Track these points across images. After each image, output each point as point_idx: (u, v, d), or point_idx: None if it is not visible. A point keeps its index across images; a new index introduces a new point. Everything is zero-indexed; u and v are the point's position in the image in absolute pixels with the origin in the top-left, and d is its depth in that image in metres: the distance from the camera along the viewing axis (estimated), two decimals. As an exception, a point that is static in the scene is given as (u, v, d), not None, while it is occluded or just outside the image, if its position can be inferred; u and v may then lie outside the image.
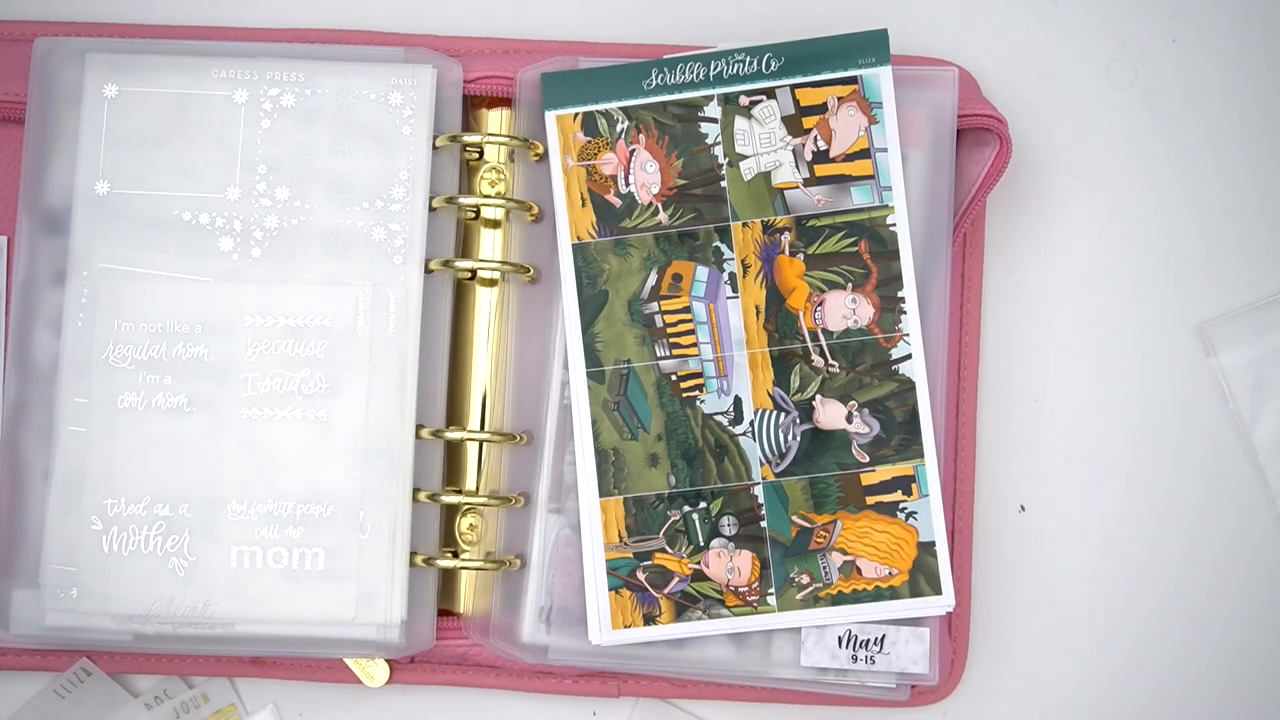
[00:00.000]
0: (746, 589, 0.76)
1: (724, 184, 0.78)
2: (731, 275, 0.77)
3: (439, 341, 0.78)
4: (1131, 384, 0.83)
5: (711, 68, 0.78)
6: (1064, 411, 0.82)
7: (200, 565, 0.75)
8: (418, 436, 0.77)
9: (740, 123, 0.78)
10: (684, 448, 0.77)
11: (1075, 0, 0.84)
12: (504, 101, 0.80)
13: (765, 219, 0.78)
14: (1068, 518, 0.82)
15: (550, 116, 0.78)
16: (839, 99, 0.78)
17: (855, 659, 0.76)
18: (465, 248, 0.80)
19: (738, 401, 0.77)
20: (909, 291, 0.77)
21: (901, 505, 0.77)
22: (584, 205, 0.78)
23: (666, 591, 0.77)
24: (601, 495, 0.77)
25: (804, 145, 0.78)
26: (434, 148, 0.78)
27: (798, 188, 0.78)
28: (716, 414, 0.77)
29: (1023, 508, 0.82)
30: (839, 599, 0.76)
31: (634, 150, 0.78)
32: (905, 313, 0.77)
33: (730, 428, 0.77)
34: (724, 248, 0.77)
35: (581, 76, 0.78)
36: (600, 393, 0.77)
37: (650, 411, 0.77)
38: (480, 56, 0.81)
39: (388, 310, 0.77)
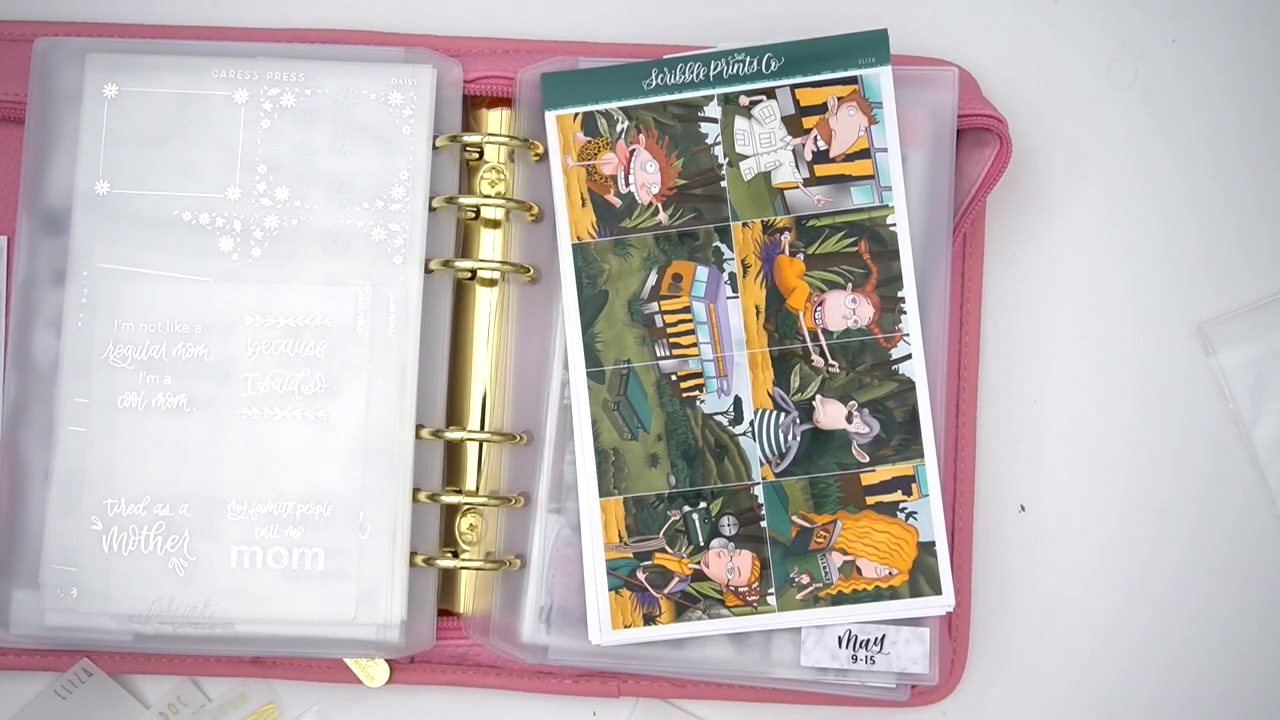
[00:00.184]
0: (746, 589, 0.76)
1: (724, 184, 0.78)
2: (731, 275, 0.77)
3: (439, 341, 0.78)
4: (1131, 384, 0.83)
5: (711, 68, 0.78)
6: (1064, 411, 0.82)
7: (200, 565, 0.75)
8: (418, 436, 0.77)
9: (740, 123, 0.78)
10: (684, 448, 0.77)
11: (1075, 0, 0.84)
12: (504, 101, 0.80)
13: (765, 219, 0.78)
14: (1068, 518, 0.82)
15: (550, 116, 0.78)
16: (839, 99, 0.78)
17: (855, 659, 0.76)
18: (465, 248, 0.80)
19: (738, 401, 0.77)
20: (909, 291, 0.77)
21: (901, 505, 0.77)
22: (584, 205, 0.78)
23: (666, 591, 0.77)
24: (601, 495, 0.77)
25: (804, 145, 0.78)
26: (434, 148, 0.78)
27: (798, 188, 0.78)
28: (716, 414, 0.77)
29: (1023, 508, 0.82)
30: (839, 599, 0.76)
31: (634, 150, 0.78)
32: (905, 313, 0.77)
33: (730, 428, 0.77)
34: (724, 248, 0.77)
35: (581, 76, 0.78)
36: (600, 393, 0.77)
37: (650, 411, 0.77)
38: (480, 56, 0.81)
39: (388, 310, 0.77)
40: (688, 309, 0.77)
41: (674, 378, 0.77)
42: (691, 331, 0.77)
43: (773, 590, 0.76)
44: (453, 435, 0.78)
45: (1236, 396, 0.82)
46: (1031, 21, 0.84)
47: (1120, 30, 0.84)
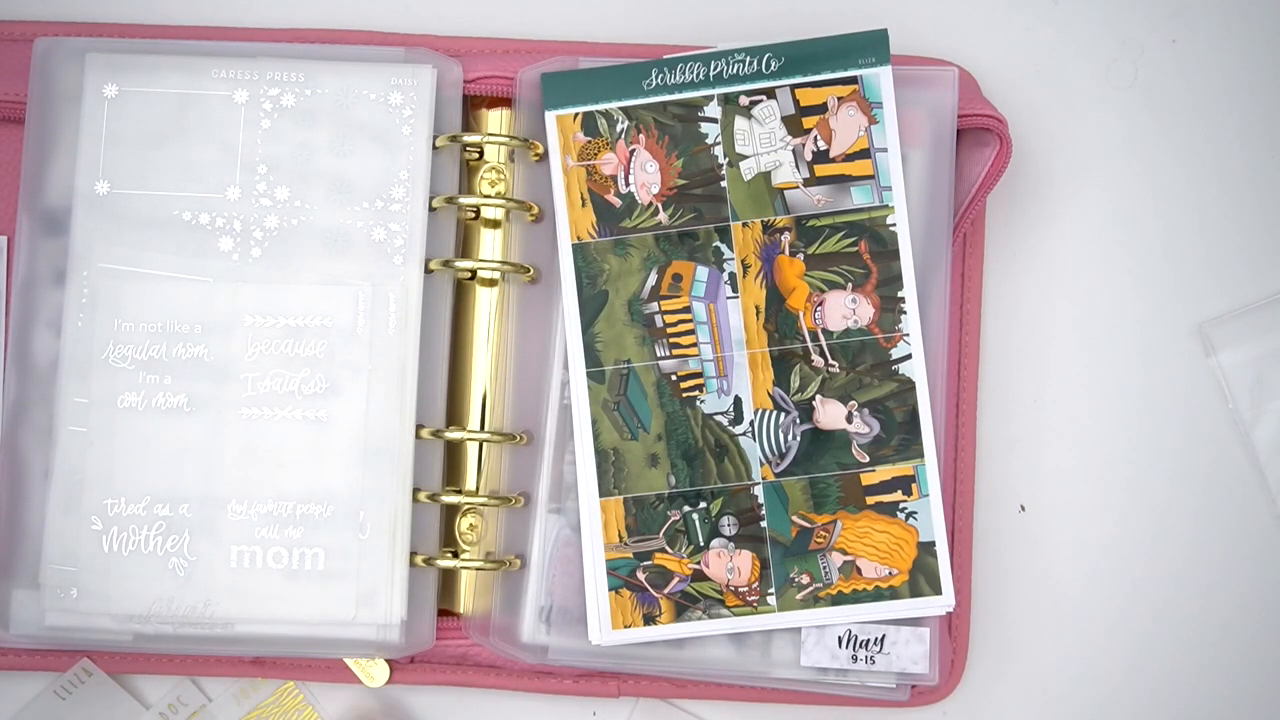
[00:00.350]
0: (746, 589, 0.76)
1: (724, 184, 0.78)
2: (731, 275, 0.77)
3: (439, 341, 0.78)
4: (1131, 384, 0.83)
5: (711, 68, 0.78)
6: (1064, 411, 0.82)
7: (200, 565, 0.75)
8: (418, 436, 0.77)
9: (740, 123, 0.78)
10: (684, 448, 0.77)
11: (1075, 0, 0.84)
12: (504, 101, 0.80)
13: (765, 219, 0.78)
14: (1068, 518, 0.82)
15: (550, 116, 0.78)
16: (839, 99, 0.78)
17: (855, 659, 0.76)
18: (465, 248, 0.80)
19: (738, 401, 0.77)
20: (909, 291, 0.77)
21: (901, 505, 0.77)
22: (584, 205, 0.78)
23: (666, 591, 0.77)
24: (601, 495, 0.77)
25: (804, 145, 0.78)
26: (434, 148, 0.78)
27: (798, 188, 0.78)
28: (716, 414, 0.77)
29: (1023, 508, 0.82)
30: (839, 599, 0.76)
31: (634, 150, 0.78)
32: (905, 313, 0.77)
33: (730, 428, 0.77)
34: (724, 248, 0.77)
35: (581, 76, 0.78)
36: (600, 393, 0.77)
37: (650, 411, 0.77)
38: (480, 56, 0.81)
39: (388, 310, 0.77)
40: (688, 309, 0.77)
41: (674, 378, 0.77)
42: (691, 331, 0.77)
43: (773, 590, 0.76)
44: (453, 435, 0.78)
45: (1236, 396, 0.82)
46: (1031, 21, 0.84)
47: (1120, 30, 0.84)
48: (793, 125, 0.78)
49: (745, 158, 0.78)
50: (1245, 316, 0.83)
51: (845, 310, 0.77)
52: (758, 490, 0.77)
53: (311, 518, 0.76)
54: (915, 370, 0.77)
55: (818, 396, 0.77)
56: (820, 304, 0.77)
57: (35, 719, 0.79)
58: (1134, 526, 0.82)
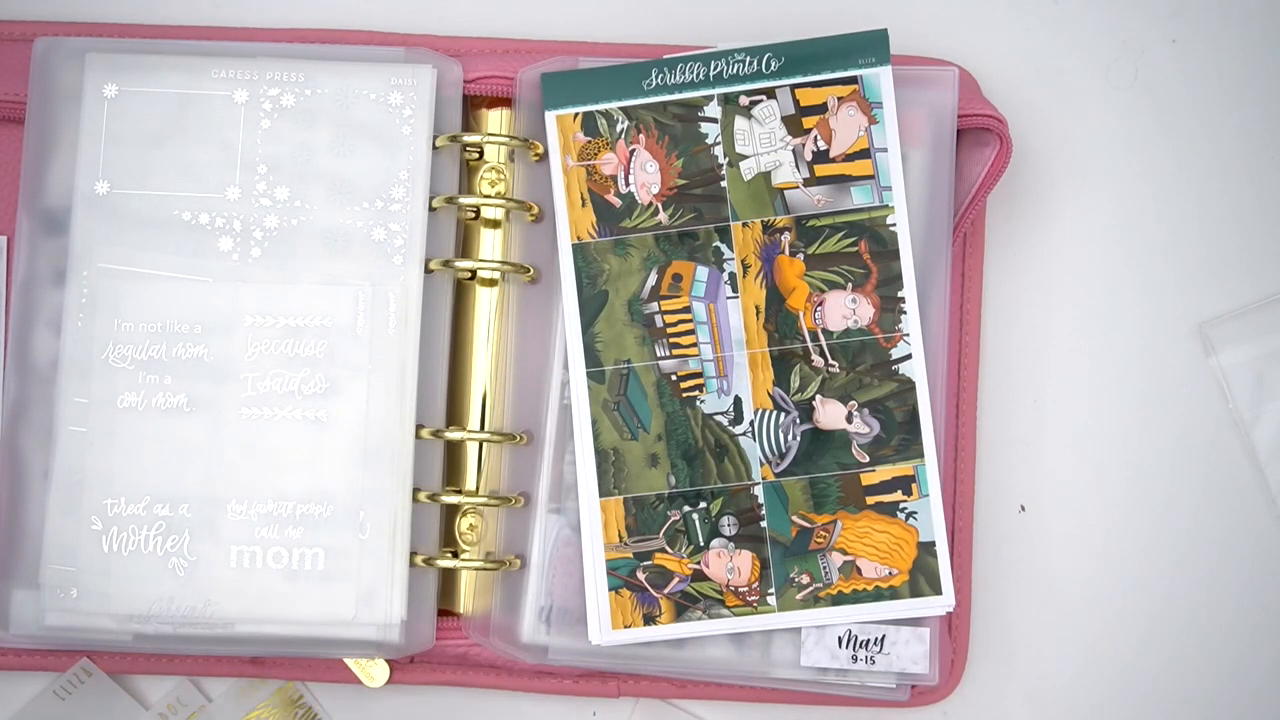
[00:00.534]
0: (746, 589, 0.76)
1: (724, 184, 0.78)
2: (731, 275, 0.77)
3: (439, 341, 0.78)
4: (1131, 384, 0.83)
5: (711, 68, 0.78)
6: (1064, 411, 0.82)
7: (200, 565, 0.75)
8: (418, 436, 0.77)
9: (740, 123, 0.78)
10: (684, 448, 0.77)
11: (1075, 0, 0.84)
12: (504, 101, 0.80)
13: (765, 219, 0.78)
14: (1068, 518, 0.82)
15: (550, 116, 0.78)
16: (839, 99, 0.78)
17: (855, 659, 0.76)
18: (465, 248, 0.80)
19: (738, 401, 0.77)
20: (909, 291, 0.77)
21: (901, 505, 0.77)
22: (584, 205, 0.78)
23: (666, 591, 0.77)
24: (601, 495, 0.77)
25: (804, 145, 0.78)
26: (434, 148, 0.78)
27: (798, 188, 0.78)
28: (716, 414, 0.77)
29: (1023, 508, 0.82)
30: (839, 599, 0.76)
31: (634, 150, 0.78)
32: (905, 313, 0.77)
33: (730, 428, 0.77)
34: (724, 248, 0.77)
35: (581, 76, 0.78)
36: (600, 393, 0.77)
37: (650, 411, 0.77)
38: (480, 56, 0.81)
39: (388, 310, 0.77)
40: (688, 309, 0.77)
41: (674, 378, 0.77)
42: (691, 331, 0.77)
43: (773, 590, 0.76)
44: (453, 435, 0.78)
45: (1236, 396, 0.82)
46: (1031, 21, 0.84)
47: (1120, 30, 0.84)
48: (793, 125, 0.78)
49: (745, 158, 0.78)
50: (1245, 316, 0.83)
51: (845, 310, 0.77)
52: (758, 490, 0.77)
53: (311, 518, 0.76)
54: (915, 370, 0.77)
55: (818, 396, 0.77)
56: (820, 304, 0.77)
57: (35, 719, 0.79)
58: (1134, 526, 0.82)
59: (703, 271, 0.78)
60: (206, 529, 0.75)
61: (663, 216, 0.78)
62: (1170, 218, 0.83)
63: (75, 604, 0.75)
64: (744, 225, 0.78)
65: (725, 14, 0.84)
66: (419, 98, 0.78)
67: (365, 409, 0.76)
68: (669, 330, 0.77)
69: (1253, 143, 0.83)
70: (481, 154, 0.80)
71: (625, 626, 0.76)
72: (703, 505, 0.77)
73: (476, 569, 0.78)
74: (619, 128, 0.78)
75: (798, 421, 0.77)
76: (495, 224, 0.80)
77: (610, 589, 0.76)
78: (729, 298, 0.77)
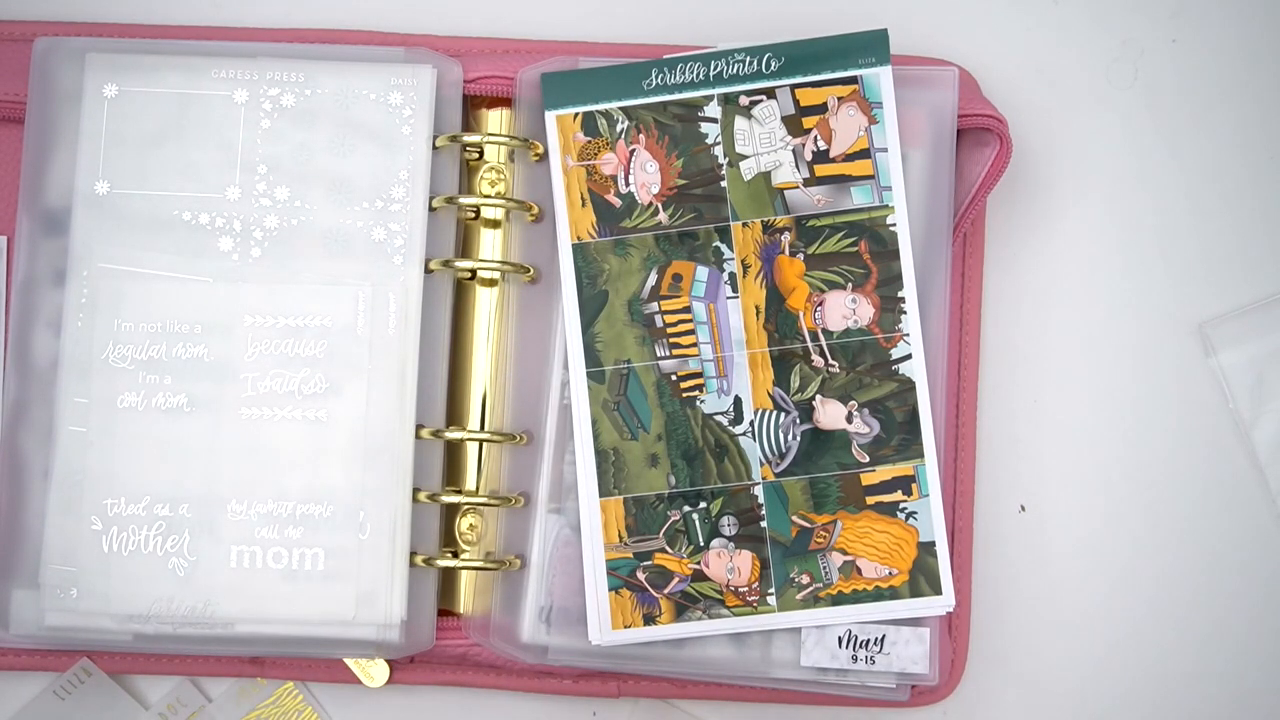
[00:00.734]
0: (746, 589, 0.76)
1: (724, 184, 0.78)
2: (731, 275, 0.77)
3: (439, 341, 0.78)
4: (1132, 384, 0.83)
5: (711, 68, 0.78)
6: (1064, 411, 0.82)
7: (200, 565, 0.75)
8: (418, 436, 0.77)
9: (740, 123, 0.78)
10: (684, 448, 0.77)
11: (1075, 0, 0.84)
12: (504, 101, 0.80)
13: (765, 219, 0.78)
14: (1068, 518, 0.82)
15: (550, 116, 0.78)
16: (839, 99, 0.78)
17: (855, 659, 0.76)
18: (465, 248, 0.80)
19: (738, 401, 0.77)
20: (909, 291, 0.77)
21: (901, 505, 0.77)
22: (584, 205, 0.78)
23: (666, 591, 0.77)
24: (601, 495, 0.77)
25: (804, 145, 0.78)
26: (434, 148, 0.78)
27: (798, 188, 0.78)
28: (716, 414, 0.77)
29: (1023, 508, 0.82)
30: (839, 599, 0.76)
31: (634, 150, 0.78)
32: (905, 313, 0.77)
33: (730, 428, 0.77)
34: (724, 248, 0.77)
35: (581, 76, 0.78)
36: (600, 393, 0.77)
37: (650, 411, 0.77)
38: (480, 56, 0.81)
39: (388, 310, 0.77)
40: (688, 309, 0.77)
41: (674, 378, 0.77)
42: (691, 331, 0.77)
43: (773, 590, 0.76)
44: (453, 435, 0.78)
45: (1236, 396, 0.82)
46: (1031, 22, 0.84)
47: (1120, 30, 0.84)
48: (793, 125, 0.78)
49: (745, 158, 0.78)
50: (1245, 317, 0.83)
51: (845, 310, 0.77)
52: (758, 490, 0.77)
53: (311, 518, 0.76)
54: (915, 370, 0.77)
55: (818, 396, 0.77)
56: (820, 304, 0.77)
57: (35, 719, 0.79)
58: (1134, 526, 0.82)
59: (703, 271, 0.78)
60: (206, 529, 0.75)
61: (663, 216, 0.78)
62: (1170, 217, 0.83)
63: (75, 604, 0.75)
64: (744, 225, 0.78)
65: (725, 14, 0.84)
66: (419, 98, 0.78)
67: (365, 409, 0.76)
68: (669, 330, 0.77)
69: (1253, 142, 0.83)
70: (481, 154, 0.80)
71: (625, 626, 0.76)
72: (703, 505, 0.77)
73: (476, 569, 0.78)
74: (619, 128, 0.78)
75: (798, 421, 0.77)
76: (495, 224, 0.80)
77: (610, 589, 0.76)
78: (729, 298, 0.77)
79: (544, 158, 0.79)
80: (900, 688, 0.77)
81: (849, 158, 0.78)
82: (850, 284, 0.77)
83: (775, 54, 0.78)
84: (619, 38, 0.83)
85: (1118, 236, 0.83)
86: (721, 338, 0.77)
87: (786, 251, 0.78)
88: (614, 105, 0.78)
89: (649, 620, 0.76)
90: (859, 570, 0.77)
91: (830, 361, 0.77)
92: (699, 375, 0.77)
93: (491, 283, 0.79)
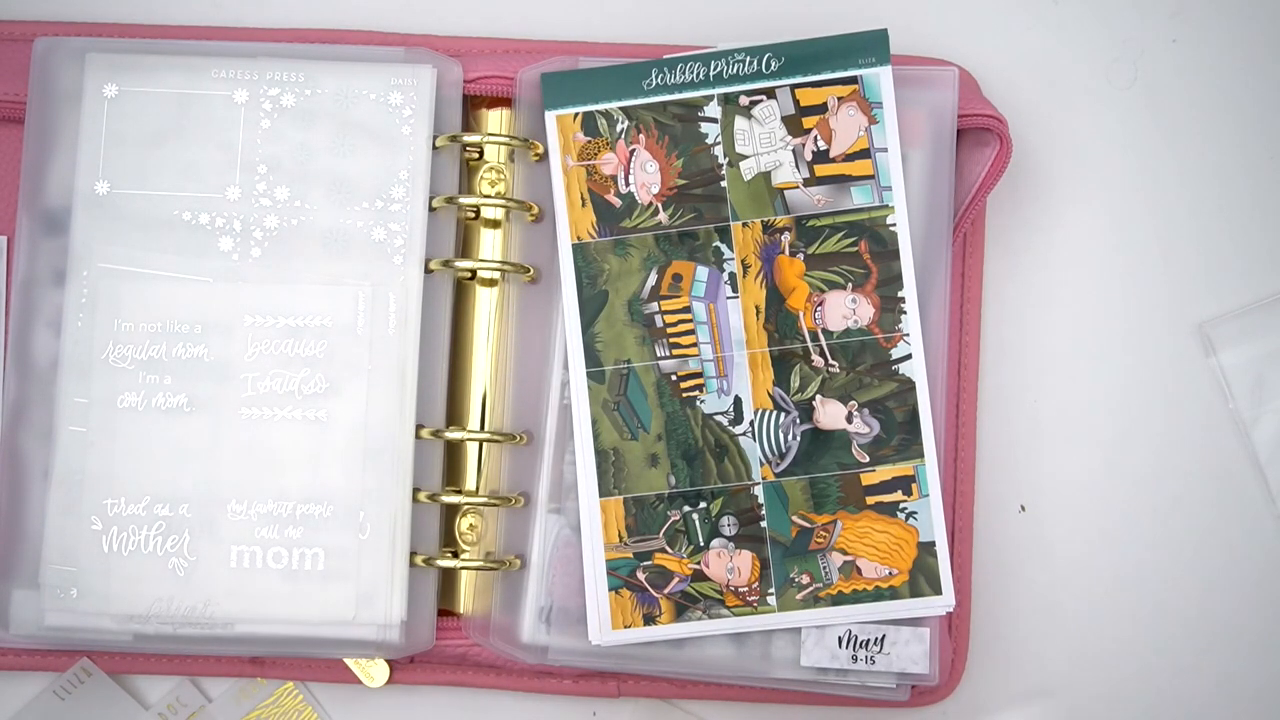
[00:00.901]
0: (746, 589, 0.76)
1: (724, 184, 0.78)
2: (731, 275, 0.77)
3: (439, 341, 0.78)
4: (1131, 384, 0.83)
5: (711, 68, 0.78)
6: (1064, 411, 0.82)
7: (200, 565, 0.75)
8: (418, 436, 0.77)
9: (740, 123, 0.78)
10: (684, 448, 0.77)
11: (1075, 0, 0.84)
12: (504, 101, 0.80)
13: (765, 219, 0.78)
14: (1068, 518, 0.82)
15: (550, 116, 0.78)
16: (839, 99, 0.78)
17: (855, 659, 0.76)
18: (465, 248, 0.80)
19: (738, 401, 0.77)
20: (909, 291, 0.77)
21: (901, 505, 0.77)
22: (584, 205, 0.78)
23: (666, 591, 0.77)
24: (601, 495, 0.77)
25: (804, 145, 0.78)
26: (434, 148, 0.78)
27: (798, 188, 0.78)
28: (716, 414, 0.77)
29: (1023, 508, 0.82)
30: (839, 599, 0.76)
31: (634, 150, 0.78)
32: (905, 313, 0.77)
33: (730, 428, 0.77)
34: (724, 248, 0.77)
35: (581, 76, 0.78)
36: (600, 393, 0.77)
37: (650, 411, 0.77)
38: (480, 56, 0.81)
39: (388, 310, 0.77)
40: (688, 309, 0.77)
41: (674, 378, 0.77)
42: (691, 331, 0.77)
43: (773, 590, 0.76)
44: (453, 435, 0.78)
45: (1236, 396, 0.82)
46: (1031, 21, 0.84)
47: (1120, 30, 0.84)
48: (793, 125, 0.78)
49: (745, 158, 0.78)
50: (1245, 317, 0.83)
51: (845, 310, 0.77)
52: (758, 490, 0.77)
53: (311, 518, 0.76)
54: (915, 370, 0.77)
55: (818, 396, 0.77)
56: (820, 304, 0.77)
57: (35, 719, 0.79)
58: (1134, 527, 0.82)
59: (703, 271, 0.78)
60: (206, 529, 0.75)
61: (663, 216, 0.78)
62: (1170, 217, 0.83)
63: (75, 604, 0.75)
64: (744, 225, 0.78)
65: (725, 14, 0.84)
66: (419, 98, 0.78)
67: (365, 409, 0.76)
68: (669, 330, 0.77)
69: (1253, 142, 0.83)
70: (481, 154, 0.80)
71: (625, 626, 0.76)
72: (703, 505, 0.77)
73: (476, 569, 0.78)
74: (619, 128, 0.78)
75: (798, 421, 0.77)
76: (495, 224, 0.80)
77: (610, 589, 0.76)
78: (729, 298, 0.77)
79: (544, 158, 0.79)
80: (900, 688, 0.77)
81: (849, 158, 0.78)
82: (850, 284, 0.77)
83: (775, 54, 0.78)
84: (619, 38, 0.83)
85: (1118, 236, 0.83)
86: (721, 338, 0.77)
87: (786, 251, 0.78)
88: (614, 105, 0.78)
89: (649, 620, 0.76)
90: (859, 570, 0.77)
91: (830, 361, 0.77)
92: (699, 375, 0.77)
93: (491, 283, 0.79)
